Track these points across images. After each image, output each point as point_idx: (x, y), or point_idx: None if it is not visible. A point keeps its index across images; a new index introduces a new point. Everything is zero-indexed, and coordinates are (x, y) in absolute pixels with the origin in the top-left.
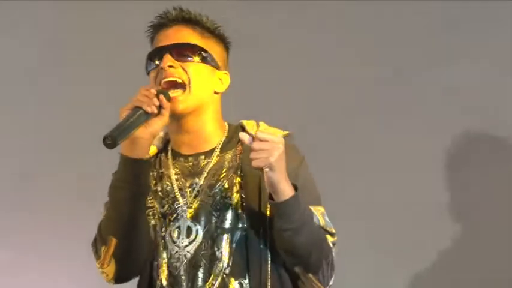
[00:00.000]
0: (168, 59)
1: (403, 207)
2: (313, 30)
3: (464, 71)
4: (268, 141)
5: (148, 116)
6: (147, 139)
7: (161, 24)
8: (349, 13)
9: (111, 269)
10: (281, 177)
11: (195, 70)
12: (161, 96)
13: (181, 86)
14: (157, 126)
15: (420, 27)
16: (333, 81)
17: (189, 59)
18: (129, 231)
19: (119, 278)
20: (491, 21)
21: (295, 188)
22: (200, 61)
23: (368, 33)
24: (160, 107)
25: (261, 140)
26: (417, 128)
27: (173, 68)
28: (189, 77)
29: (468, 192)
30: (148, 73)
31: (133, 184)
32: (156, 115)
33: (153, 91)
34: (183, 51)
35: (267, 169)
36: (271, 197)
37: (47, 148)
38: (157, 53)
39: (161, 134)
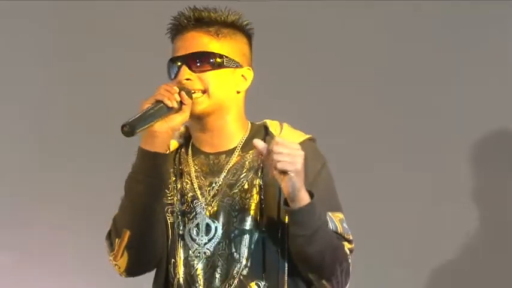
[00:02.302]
0: (185, 72)
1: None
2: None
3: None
4: (288, 147)
5: (169, 110)
6: (166, 133)
7: (177, 28)
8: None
9: (123, 261)
10: (302, 184)
11: (212, 78)
12: (182, 93)
13: (201, 91)
14: (177, 121)
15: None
16: (351, 82)
17: (206, 68)
18: (143, 224)
19: (131, 270)
20: None
21: (311, 195)
22: (217, 67)
23: (385, 32)
24: (181, 103)
25: (280, 145)
26: (437, 128)
27: (190, 81)
28: (206, 86)
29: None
30: (171, 78)
31: (151, 177)
32: (177, 111)
33: (176, 88)
34: (198, 61)
35: (292, 174)
36: (286, 203)
37: (49, 149)
38: (175, 62)
39: (182, 129)
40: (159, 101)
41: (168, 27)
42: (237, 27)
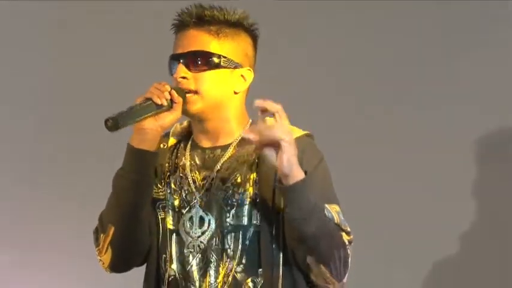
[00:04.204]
0: (181, 70)
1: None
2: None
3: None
4: (275, 121)
5: (158, 108)
6: (156, 131)
7: (179, 25)
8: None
9: (107, 257)
10: (295, 158)
11: (207, 79)
12: (173, 91)
13: (194, 91)
14: (168, 120)
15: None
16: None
17: (202, 67)
18: (128, 220)
19: (114, 266)
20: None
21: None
22: (214, 67)
23: (385, 29)
24: (172, 102)
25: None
26: (438, 124)
27: (185, 80)
28: (200, 86)
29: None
30: (171, 74)
31: (136, 174)
32: (168, 109)
33: (167, 86)
34: (195, 60)
35: (286, 144)
36: (280, 182)
37: (47, 148)
38: (174, 59)
39: (185, 123)
40: (148, 99)
41: (172, 23)
42: (242, 26)
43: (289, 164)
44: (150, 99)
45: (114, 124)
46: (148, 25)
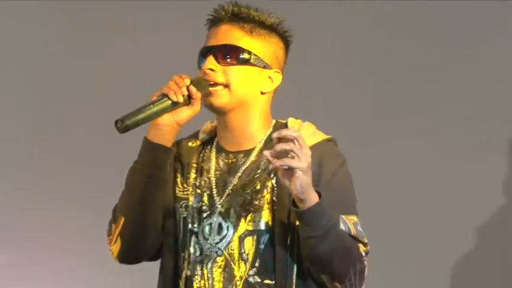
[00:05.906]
0: (210, 62)
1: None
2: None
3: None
4: (295, 143)
5: (174, 105)
6: (171, 126)
7: (214, 20)
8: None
9: (116, 247)
10: (310, 183)
11: (236, 73)
12: (191, 87)
13: (223, 85)
14: (185, 115)
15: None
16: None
17: (232, 61)
18: (137, 213)
19: (122, 257)
20: None
21: (319, 195)
22: (243, 63)
23: (392, 30)
24: (189, 97)
25: (288, 139)
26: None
27: (213, 72)
28: (229, 80)
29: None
30: (199, 68)
31: (150, 168)
32: (186, 104)
33: (186, 81)
34: (225, 53)
35: (299, 172)
36: (294, 204)
37: (47, 147)
38: (204, 52)
39: (215, 123)
40: (164, 95)
41: (207, 19)
42: (275, 30)
43: (302, 189)
44: (166, 95)
45: (123, 126)
46: (149, 25)
